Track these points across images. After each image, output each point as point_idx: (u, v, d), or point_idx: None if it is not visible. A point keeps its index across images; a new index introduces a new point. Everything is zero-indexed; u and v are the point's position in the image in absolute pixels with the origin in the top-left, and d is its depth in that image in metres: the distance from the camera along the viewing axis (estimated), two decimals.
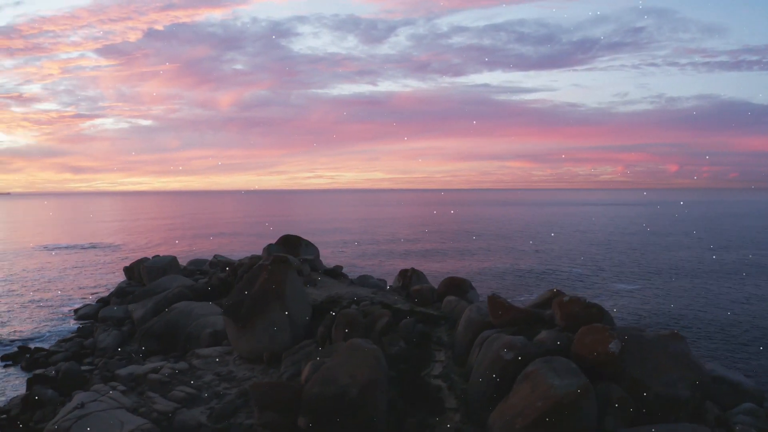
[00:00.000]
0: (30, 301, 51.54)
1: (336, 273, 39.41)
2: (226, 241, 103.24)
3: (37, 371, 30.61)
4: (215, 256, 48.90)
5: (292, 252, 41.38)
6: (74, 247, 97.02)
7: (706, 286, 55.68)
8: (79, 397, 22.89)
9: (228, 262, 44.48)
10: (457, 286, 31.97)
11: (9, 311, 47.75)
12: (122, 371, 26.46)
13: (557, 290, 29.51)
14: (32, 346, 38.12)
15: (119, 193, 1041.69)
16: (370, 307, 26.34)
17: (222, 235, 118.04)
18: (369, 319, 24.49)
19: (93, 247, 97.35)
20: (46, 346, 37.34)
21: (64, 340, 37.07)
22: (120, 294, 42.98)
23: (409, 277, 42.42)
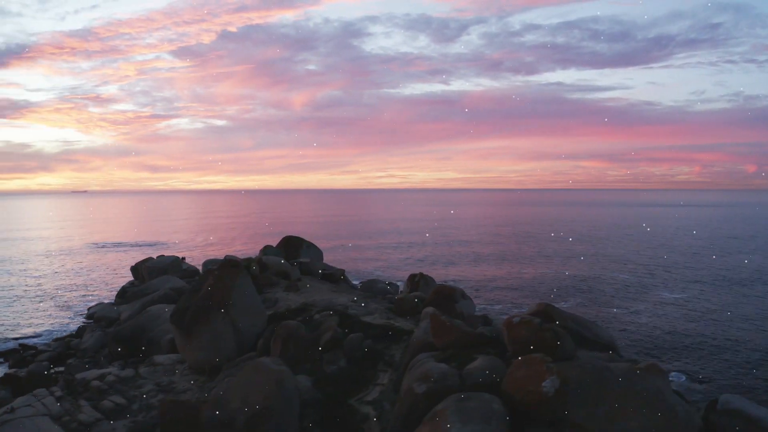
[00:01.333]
0: (53, 298, 52.11)
1: (335, 277, 37.08)
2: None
3: (10, 371, 30.16)
4: (225, 257, 47.56)
5: (292, 254, 39.40)
6: (124, 245, 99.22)
7: (762, 300, 49.71)
8: (18, 400, 22.00)
9: None
10: (446, 295, 28.71)
11: (27, 307, 48.27)
12: (79, 375, 25.30)
13: (546, 304, 26.14)
14: (32, 343, 38.15)
15: (194, 192, 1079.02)
16: (327, 318, 23.75)
17: (278, 234, 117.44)
18: (316, 333, 21.95)
19: (147, 245, 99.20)
20: (44, 343, 37.21)
21: (57, 339, 36.69)
22: (121, 294, 42.32)
23: (416, 282, 39.61)
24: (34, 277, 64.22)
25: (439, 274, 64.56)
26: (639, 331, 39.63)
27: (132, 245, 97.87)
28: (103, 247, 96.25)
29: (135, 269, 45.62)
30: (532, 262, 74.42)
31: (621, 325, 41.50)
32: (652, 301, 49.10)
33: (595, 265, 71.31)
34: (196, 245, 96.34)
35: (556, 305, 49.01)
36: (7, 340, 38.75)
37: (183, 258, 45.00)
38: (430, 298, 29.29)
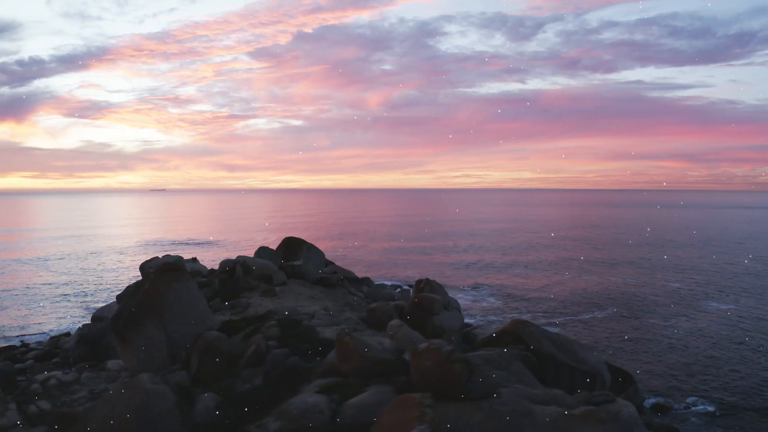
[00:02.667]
0: (77, 295, 52.68)
1: (331, 282, 34.76)
2: (334, 243, 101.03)
3: None
4: (238, 257, 46.22)
5: (289, 256, 37.42)
6: (179, 243, 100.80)
7: None
8: None
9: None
10: (424, 307, 25.81)
11: (50, 304, 48.82)
12: (40, 377, 24.42)
13: (520, 320, 22.87)
14: (34, 340, 38.11)
15: (271, 191, 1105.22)
16: (268, 329, 21.38)
17: (335, 236, 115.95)
18: (243, 345, 19.67)
19: (198, 243, 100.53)
20: (38, 341, 37.04)
21: (53, 338, 36.33)
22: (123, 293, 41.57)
23: (421, 289, 36.75)
24: (71, 273, 65.58)
25: (478, 279, 61.24)
26: (671, 351, 35.13)
27: (185, 243, 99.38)
28: (154, 245, 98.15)
29: (142, 268, 44.96)
30: (583, 267, 69.42)
31: (650, 343, 37.00)
32: (697, 315, 43.93)
33: (651, 271, 65.67)
34: (248, 244, 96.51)
35: (589, 316, 44.74)
36: (11, 337, 38.89)
37: (194, 258, 43.92)
38: (407, 309, 26.51)
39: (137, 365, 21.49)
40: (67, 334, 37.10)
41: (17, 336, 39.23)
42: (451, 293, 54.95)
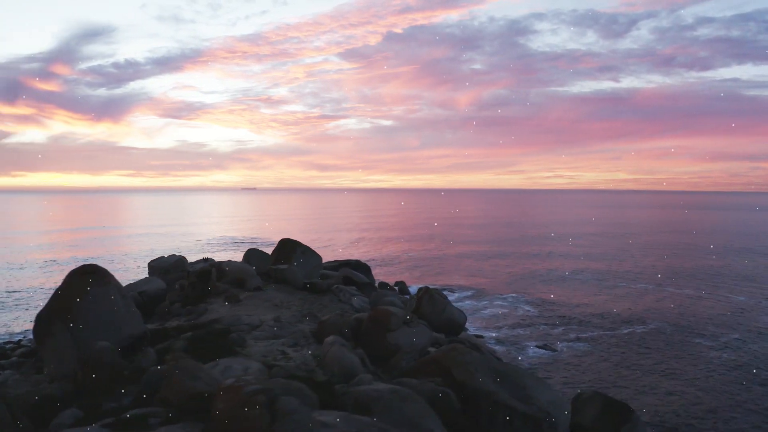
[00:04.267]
0: None
1: (318, 288, 32.42)
2: (404, 246, 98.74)
3: None
4: (218, 261, 44.74)
5: (283, 258, 35.46)
6: (239, 241, 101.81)
7: None
8: None
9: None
10: (379, 321, 22.86)
11: None
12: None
13: (454, 347, 19.69)
14: (28, 338, 38.16)
15: (361, 190, 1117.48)
16: (178, 342, 19.35)
17: (409, 238, 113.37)
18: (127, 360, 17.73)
19: (256, 242, 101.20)
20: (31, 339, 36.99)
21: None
22: None
23: (419, 298, 33.89)
24: (127, 270, 66.89)
25: (523, 285, 57.20)
26: (707, 378, 30.23)
27: (249, 242, 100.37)
28: (216, 243, 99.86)
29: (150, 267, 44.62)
30: (644, 276, 63.45)
31: (684, 367, 32.15)
32: (753, 338, 38.09)
33: (722, 281, 58.95)
34: (315, 244, 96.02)
35: (627, 331, 40.10)
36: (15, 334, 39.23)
37: (205, 259, 43.02)
38: (365, 324, 23.72)
39: (51, 371, 20.23)
40: None
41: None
42: (486, 299, 51.83)
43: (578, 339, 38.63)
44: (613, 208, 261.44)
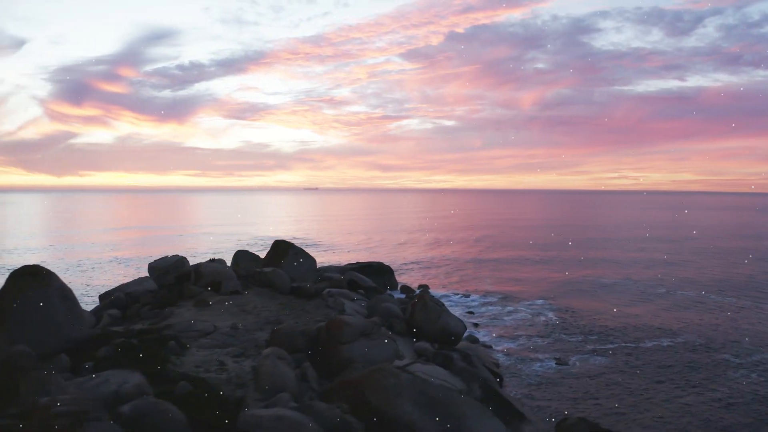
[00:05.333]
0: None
1: (304, 292, 31.02)
2: (450, 249, 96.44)
3: None
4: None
5: (275, 261, 34.29)
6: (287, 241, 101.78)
7: None
8: None
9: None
10: (332, 333, 21.13)
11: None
12: None
13: (379, 368, 18.00)
14: None
15: (423, 191, 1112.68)
16: (102, 351, 18.29)
17: (459, 241, 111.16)
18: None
19: (301, 242, 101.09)
20: None
21: None
22: None
23: (412, 305, 32.10)
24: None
25: (556, 293, 54.12)
26: (726, 397, 27.10)
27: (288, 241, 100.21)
28: (255, 243, 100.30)
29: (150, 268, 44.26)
30: (687, 284, 59.10)
31: (704, 387, 29.03)
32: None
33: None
34: (362, 246, 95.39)
35: (652, 344, 37.24)
36: None
37: (213, 259, 42.32)
38: (321, 335, 22.12)
39: None
40: None
41: None
42: (512, 305, 49.19)
43: (595, 351, 35.79)
44: (677, 210, 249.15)
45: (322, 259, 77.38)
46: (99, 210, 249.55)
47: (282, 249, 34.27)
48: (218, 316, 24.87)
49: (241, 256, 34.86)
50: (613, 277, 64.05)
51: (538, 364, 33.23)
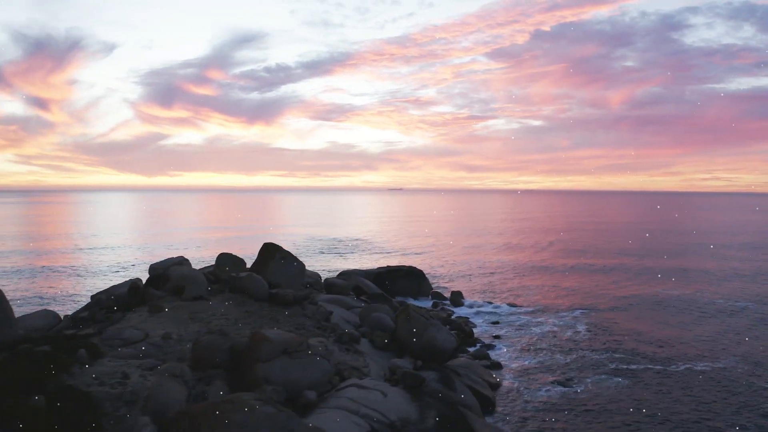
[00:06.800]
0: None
1: (284, 300, 29.28)
2: (513, 255, 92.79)
3: None
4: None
5: (260, 264, 32.81)
6: (347, 243, 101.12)
7: None
8: None
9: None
10: (251, 349, 19.14)
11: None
12: None
13: (235, 396, 15.71)
14: None
15: (509, 191, 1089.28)
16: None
17: (530, 245, 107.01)
18: None
19: (355, 245, 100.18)
20: None
21: None
22: None
23: (396, 318, 29.80)
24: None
25: (598, 306, 49.67)
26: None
27: (346, 244, 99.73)
28: (308, 245, 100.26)
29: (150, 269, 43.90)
30: (743, 300, 52.92)
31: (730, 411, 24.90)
32: None
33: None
34: (421, 248, 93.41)
35: (684, 367, 33.45)
36: None
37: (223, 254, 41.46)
38: (243, 351, 20.21)
39: None
40: None
41: None
42: (544, 316, 45.50)
43: (616, 372, 31.92)
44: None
45: (364, 261, 75.98)
46: (187, 209, 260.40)
47: (269, 252, 32.74)
48: (161, 324, 23.63)
49: (224, 258, 33.63)
50: (673, 290, 58.16)
51: (544, 388, 29.92)
